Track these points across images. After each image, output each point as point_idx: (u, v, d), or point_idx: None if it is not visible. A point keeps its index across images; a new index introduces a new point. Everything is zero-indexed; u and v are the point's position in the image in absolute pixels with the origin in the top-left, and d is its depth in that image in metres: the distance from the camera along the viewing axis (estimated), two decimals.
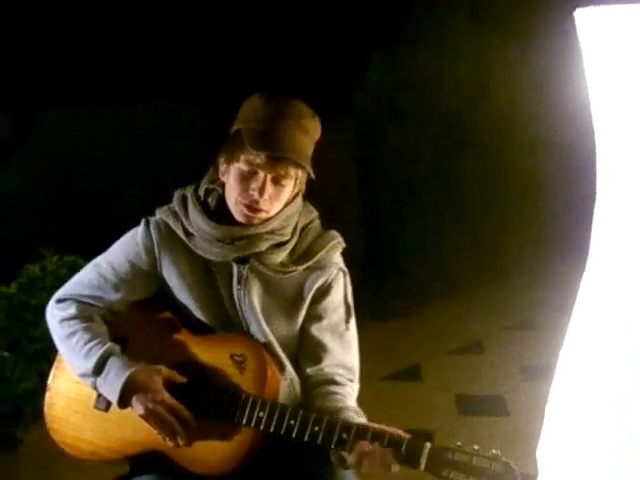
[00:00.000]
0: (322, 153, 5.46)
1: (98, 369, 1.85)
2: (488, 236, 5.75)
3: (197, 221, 1.92)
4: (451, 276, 5.66)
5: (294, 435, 1.77)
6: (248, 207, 1.86)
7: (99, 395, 1.91)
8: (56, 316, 1.97)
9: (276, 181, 1.85)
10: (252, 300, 1.92)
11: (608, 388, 1.80)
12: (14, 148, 5.65)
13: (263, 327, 1.92)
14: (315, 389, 1.94)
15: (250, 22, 5.87)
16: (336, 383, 1.93)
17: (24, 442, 3.52)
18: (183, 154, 5.91)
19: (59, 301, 1.99)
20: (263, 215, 1.88)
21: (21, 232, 4.78)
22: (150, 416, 1.81)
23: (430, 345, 4.97)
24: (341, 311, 1.99)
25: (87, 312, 1.95)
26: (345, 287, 2.01)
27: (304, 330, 1.97)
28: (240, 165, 1.86)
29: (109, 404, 1.90)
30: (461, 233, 5.73)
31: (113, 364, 1.86)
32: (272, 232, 1.90)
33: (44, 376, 2.10)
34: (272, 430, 1.78)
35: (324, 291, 1.96)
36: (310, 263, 1.93)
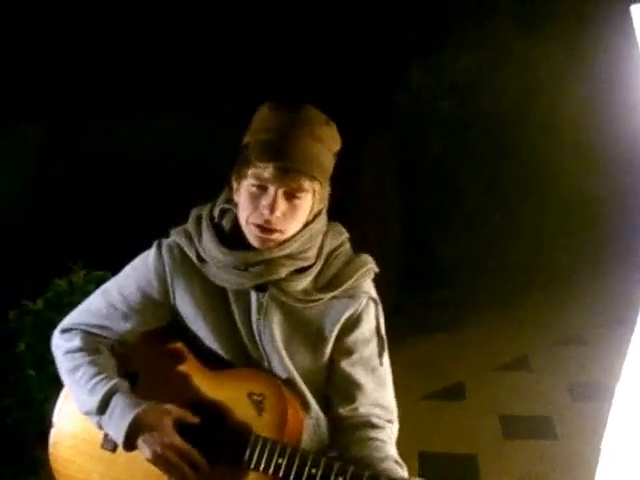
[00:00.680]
0: (363, 161, 5.35)
1: (102, 407, 1.70)
2: (536, 246, 5.55)
3: (209, 246, 1.74)
4: (497, 288, 5.47)
5: None
6: (260, 228, 1.67)
7: (106, 435, 1.75)
8: (60, 347, 1.82)
9: (290, 196, 1.66)
10: (273, 332, 1.74)
11: None
12: (47, 161, 5.66)
13: (285, 362, 1.74)
14: (351, 434, 1.75)
15: (287, 28, 5.74)
16: (374, 426, 1.75)
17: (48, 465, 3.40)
18: (217, 167, 5.81)
19: (64, 331, 1.84)
20: (278, 236, 1.68)
21: (50, 245, 4.71)
22: (158, 460, 1.65)
23: (475, 360, 4.78)
24: (373, 344, 1.79)
25: (94, 344, 1.80)
26: (377, 318, 1.80)
27: (333, 366, 1.78)
28: (249, 181, 1.67)
29: (117, 445, 1.73)
30: (507, 243, 5.53)
31: (119, 402, 1.70)
32: (292, 256, 1.71)
33: None
34: (292, 479, 1.61)
35: (353, 322, 1.76)
36: (337, 292, 1.74)
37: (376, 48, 5.62)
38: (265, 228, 1.67)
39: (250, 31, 5.75)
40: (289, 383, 1.74)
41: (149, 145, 5.78)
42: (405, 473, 1.71)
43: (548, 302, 5.41)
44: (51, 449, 1.86)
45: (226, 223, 1.77)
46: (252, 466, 1.64)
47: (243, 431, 1.67)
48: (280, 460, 1.62)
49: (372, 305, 1.79)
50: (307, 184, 1.65)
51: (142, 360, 1.83)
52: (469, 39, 5.39)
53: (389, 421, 1.79)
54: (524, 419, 4.01)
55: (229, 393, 1.72)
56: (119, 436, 1.67)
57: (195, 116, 5.83)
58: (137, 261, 1.84)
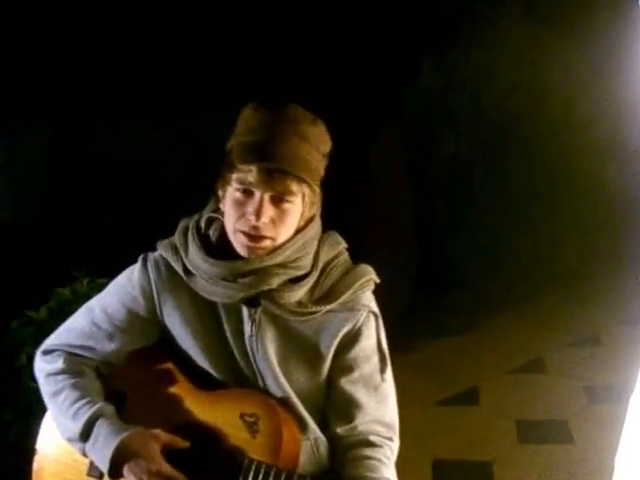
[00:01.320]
0: (374, 161, 5.26)
1: (86, 433, 1.61)
2: (550, 246, 5.45)
3: (195, 258, 1.65)
4: (511, 289, 5.38)
5: None
6: (248, 235, 1.58)
7: (92, 462, 1.66)
8: (42, 370, 1.72)
9: (277, 201, 1.56)
10: (267, 349, 1.65)
11: None
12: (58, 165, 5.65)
13: (280, 380, 1.65)
14: (347, 452, 1.66)
15: (297, 23, 5.68)
16: (371, 445, 1.66)
17: None
18: None
19: (46, 352, 1.75)
20: (268, 244, 1.59)
21: (52, 253, 4.67)
22: None
23: (489, 363, 4.70)
24: (374, 361, 1.69)
25: (77, 366, 1.71)
26: (378, 332, 1.70)
27: (332, 383, 1.69)
28: (234, 187, 1.58)
29: (103, 473, 1.64)
30: (521, 243, 5.44)
31: (102, 428, 1.60)
32: (284, 265, 1.61)
33: None
34: None
35: (353, 338, 1.66)
36: (334, 305, 1.65)
37: (386, 44, 5.55)
38: (253, 236, 1.58)
39: (260, 29, 5.69)
40: (285, 403, 1.65)
41: (158, 149, 5.76)
42: None
43: (563, 303, 5.32)
44: (34, 476, 1.76)
45: (213, 233, 1.68)
46: None
47: (236, 455, 1.59)
48: None
49: (372, 319, 1.69)
50: (295, 187, 1.56)
51: (130, 381, 1.74)
52: (480, 36, 5.30)
53: (389, 439, 1.70)
54: (539, 423, 3.92)
55: (221, 415, 1.64)
56: (104, 464, 1.58)
57: (211, 117, 5.78)
58: (122, 277, 1.75)
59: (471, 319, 5.26)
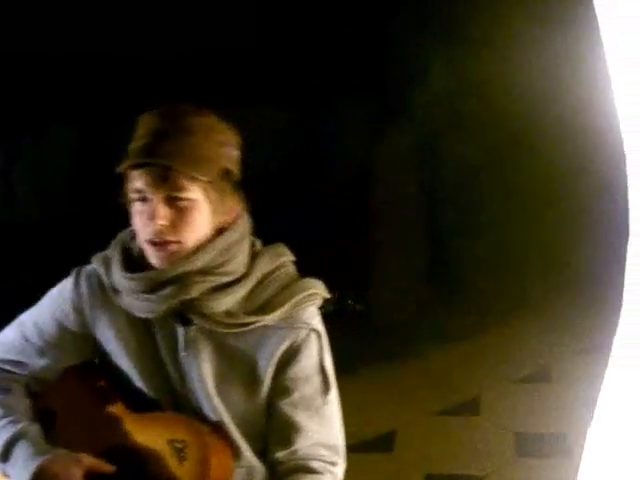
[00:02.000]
0: (381, 161, 5.17)
1: (5, 454, 1.57)
2: (559, 250, 5.33)
3: (115, 272, 1.61)
4: (521, 293, 5.28)
5: None
6: (153, 243, 1.53)
7: None
8: None
9: (172, 200, 1.50)
10: (201, 369, 1.58)
11: None
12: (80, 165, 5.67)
13: (214, 402, 1.59)
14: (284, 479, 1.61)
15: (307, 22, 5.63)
16: (310, 471, 1.59)
17: None
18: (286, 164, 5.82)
19: None
20: (175, 248, 1.52)
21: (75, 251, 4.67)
22: None
23: (493, 371, 4.60)
24: (315, 382, 1.61)
25: (5, 382, 1.67)
26: (320, 351, 1.62)
27: (271, 406, 1.62)
28: (132, 197, 1.54)
29: None
30: (529, 247, 5.33)
31: (22, 450, 1.56)
32: (205, 272, 1.53)
33: None
34: None
35: (291, 357, 1.59)
36: (268, 318, 1.57)
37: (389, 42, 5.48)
38: (157, 242, 1.52)
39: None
40: (218, 427, 1.60)
41: None
42: None
43: (574, 308, 5.19)
44: None
45: (135, 246, 1.63)
46: None
47: None
48: None
49: (314, 338, 1.62)
50: (186, 182, 1.50)
51: (61, 399, 1.71)
52: (489, 34, 5.19)
53: (332, 463, 1.63)
54: (539, 437, 3.83)
55: (150, 439, 1.59)
56: None
57: (242, 113, 5.78)
58: (54, 290, 1.72)
59: (480, 323, 5.16)
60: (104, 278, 1.63)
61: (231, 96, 5.16)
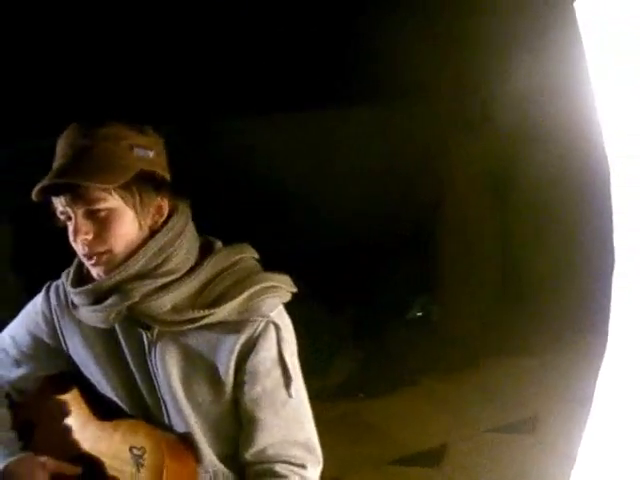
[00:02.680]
0: (452, 173, 5.07)
1: None
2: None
3: (67, 286, 1.64)
4: (586, 314, 5.10)
5: None
6: (86, 256, 1.54)
7: None
8: None
9: (92, 213, 1.50)
10: (168, 372, 1.58)
11: None
12: (188, 159, 5.80)
13: (181, 405, 1.58)
14: None
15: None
16: (275, 475, 1.56)
17: None
18: (363, 164, 5.85)
19: None
20: (107, 257, 1.52)
21: None
22: None
23: (554, 390, 4.47)
24: (276, 374, 1.57)
25: None
26: (279, 343, 1.57)
27: (236, 404, 1.59)
28: (60, 218, 1.55)
29: None
30: (602, 262, 5.14)
31: None
32: (143, 275, 1.53)
33: None
34: None
35: (249, 350, 1.55)
36: (220, 311, 1.54)
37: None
38: (88, 256, 1.53)
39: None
40: (181, 434, 1.59)
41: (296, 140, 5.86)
42: None
43: None
44: None
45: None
46: None
47: None
48: None
49: (272, 329, 1.57)
50: (100, 194, 1.49)
51: (38, 409, 1.74)
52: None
53: (302, 466, 1.59)
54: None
55: (114, 446, 1.60)
56: None
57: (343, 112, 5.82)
58: (29, 304, 1.76)
59: (547, 342, 5.02)
60: (67, 291, 1.66)
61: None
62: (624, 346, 1.34)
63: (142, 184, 1.53)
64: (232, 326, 1.56)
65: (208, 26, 5.48)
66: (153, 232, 1.56)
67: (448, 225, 5.40)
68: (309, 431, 1.63)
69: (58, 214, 1.53)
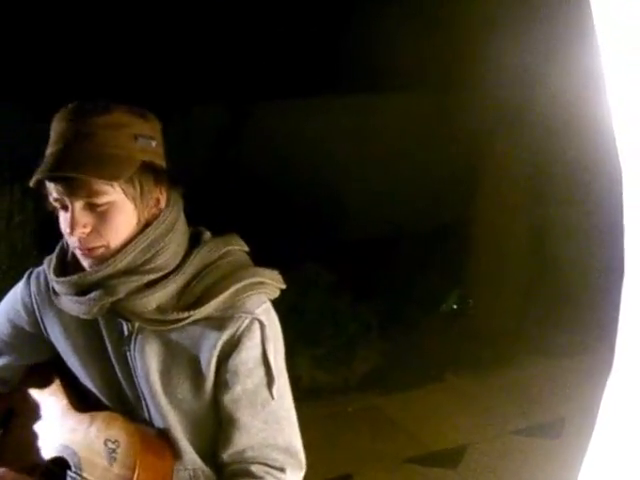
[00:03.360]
0: (486, 162, 4.92)
1: None
2: None
3: (49, 274, 1.53)
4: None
5: None
6: (79, 249, 1.44)
7: None
8: None
9: (91, 205, 1.40)
10: (147, 366, 1.49)
11: None
12: (231, 141, 5.82)
13: (159, 400, 1.49)
14: None
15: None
16: (249, 475, 1.47)
17: None
18: (399, 152, 5.77)
19: None
20: (101, 252, 1.43)
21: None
22: None
23: (586, 393, 4.28)
24: (259, 374, 1.48)
25: None
26: (263, 342, 1.48)
27: (217, 402, 1.50)
28: (53, 204, 1.44)
29: None
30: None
31: None
32: (131, 271, 1.44)
33: None
34: None
35: (232, 348, 1.46)
36: (203, 310, 1.45)
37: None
38: (82, 248, 1.43)
39: None
40: (160, 428, 1.51)
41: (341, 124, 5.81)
42: None
43: None
44: None
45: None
46: None
47: None
48: None
49: (257, 327, 1.48)
50: (100, 186, 1.38)
51: (20, 398, 1.67)
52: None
53: (280, 469, 1.49)
54: None
55: (89, 438, 1.53)
56: None
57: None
58: (11, 291, 1.68)
59: (583, 340, 4.85)
60: (48, 275, 1.56)
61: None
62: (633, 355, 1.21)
63: (144, 176, 1.44)
64: (216, 322, 1.47)
65: (252, 7, 5.44)
66: (144, 226, 1.47)
67: (483, 218, 5.24)
68: (290, 434, 1.53)
69: (51, 200, 1.43)
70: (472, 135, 5.16)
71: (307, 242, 5.53)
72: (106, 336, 1.53)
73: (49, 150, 1.40)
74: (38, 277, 1.61)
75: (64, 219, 1.43)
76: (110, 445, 1.48)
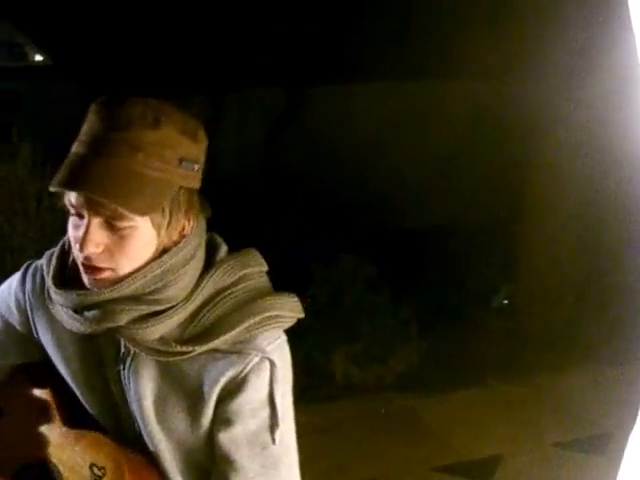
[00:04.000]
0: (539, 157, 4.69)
1: None
2: None
3: (47, 280, 1.36)
4: None
5: None
6: (84, 266, 1.27)
7: None
8: None
9: (111, 225, 1.23)
10: (140, 388, 1.33)
11: None
12: (288, 123, 5.81)
13: (151, 427, 1.34)
14: None
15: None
16: None
17: None
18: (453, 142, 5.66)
19: None
20: (107, 275, 1.26)
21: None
22: None
23: (635, 406, 4.02)
24: (263, 416, 1.33)
25: None
26: (271, 383, 1.33)
27: (213, 438, 1.35)
28: (67, 207, 1.26)
29: None
30: None
31: None
32: (136, 298, 1.28)
33: None
34: None
35: (238, 386, 1.31)
36: (213, 344, 1.29)
37: None
38: (89, 266, 1.25)
39: None
40: (151, 456, 1.35)
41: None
42: None
43: None
44: None
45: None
46: None
47: None
48: None
49: (266, 367, 1.32)
50: (126, 212, 1.21)
51: (7, 399, 1.51)
52: None
53: None
54: None
55: (74, 458, 1.38)
56: None
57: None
58: (5, 283, 1.50)
59: (633, 349, 4.56)
60: (46, 278, 1.39)
61: None
62: None
63: (176, 204, 1.27)
64: (222, 355, 1.31)
65: None
66: (161, 252, 1.30)
67: (534, 217, 5.01)
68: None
69: (67, 203, 1.26)
70: (527, 131, 4.93)
71: (348, 233, 5.38)
72: (102, 349, 1.37)
73: (76, 148, 1.22)
74: (35, 274, 1.44)
75: (75, 227, 1.26)
76: (96, 471, 1.34)
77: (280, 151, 5.78)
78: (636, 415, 3.82)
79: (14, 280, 1.47)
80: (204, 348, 1.29)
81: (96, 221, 1.22)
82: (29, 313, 1.44)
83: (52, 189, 1.21)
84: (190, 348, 1.28)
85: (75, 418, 1.42)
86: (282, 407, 1.33)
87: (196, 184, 1.29)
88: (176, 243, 1.30)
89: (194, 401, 1.32)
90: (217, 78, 5.37)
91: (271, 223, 4.97)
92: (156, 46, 5.10)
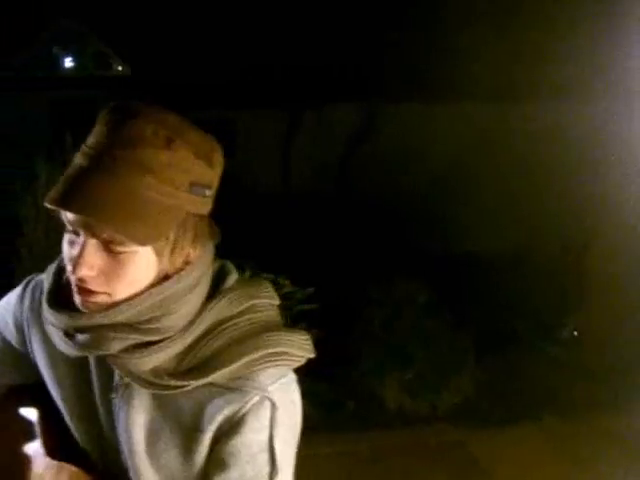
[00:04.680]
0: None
1: None
2: None
3: (44, 294, 1.27)
4: None
5: None
6: (77, 287, 1.16)
7: None
8: None
9: (108, 248, 1.14)
10: (131, 418, 1.23)
11: None
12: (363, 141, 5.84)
13: (138, 461, 1.24)
14: None
15: None
16: None
17: None
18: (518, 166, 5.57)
19: None
20: (101, 299, 1.17)
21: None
22: None
23: None
24: (261, 461, 1.20)
25: None
26: (271, 426, 1.21)
27: (206, 478, 1.23)
28: (63, 222, 1.16)
29: None
30: None
31: None
32: (130, 326, 1.18)
33: None
34: None
35: (234, 426, 1.20)
36: (210, 378, 1.19)
37: None
38: (82, 288, 1.15)
39: None
40: None
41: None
42: None
43: None
44: None
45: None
46: None
47: None
48: None
49: (267, 407, 1.20)
50: (123, 237, 1.12)
51: (4, 417, 1.42)
52: None
53: None
54: None
55: None
56: None
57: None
58: (5, 297, 1.41)
59: None
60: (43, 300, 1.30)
61: None
62: None
63: (182, 230, 1.17)
64: (221, 392, 1.20)
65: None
66: (162, 278, 1.20)
67: (598, 249, 4.83)
68: None
69: (64, 220, 1.17)
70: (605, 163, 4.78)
71: (408, 254, 5.28)
72: (95, 374, 1.28)
73: (78, 160, 1.13)
74: (34, 290, 1.35)
75: (70, 243, 1.17)
76: None
77: (353, 169, 5.76)
78: None
79: (13, 295, 1.39)
80: (200, 382, 1.18)
81: (92, 242, 1.13)
82: (26, 331, 1.35)
83: (47, 206, 1.12)
84: (185, 382, 1.18)
85: (62, 447, 1.34)
86: (282, 455, 1.21)
87: (206, 210, 1.19)
88: (179, 270, 1.19)
89: (189, 437, 1.22)
90: (297, 93, 5.38)
91: (336, 240, 4.91)
92: (238, 60, 5.15)
